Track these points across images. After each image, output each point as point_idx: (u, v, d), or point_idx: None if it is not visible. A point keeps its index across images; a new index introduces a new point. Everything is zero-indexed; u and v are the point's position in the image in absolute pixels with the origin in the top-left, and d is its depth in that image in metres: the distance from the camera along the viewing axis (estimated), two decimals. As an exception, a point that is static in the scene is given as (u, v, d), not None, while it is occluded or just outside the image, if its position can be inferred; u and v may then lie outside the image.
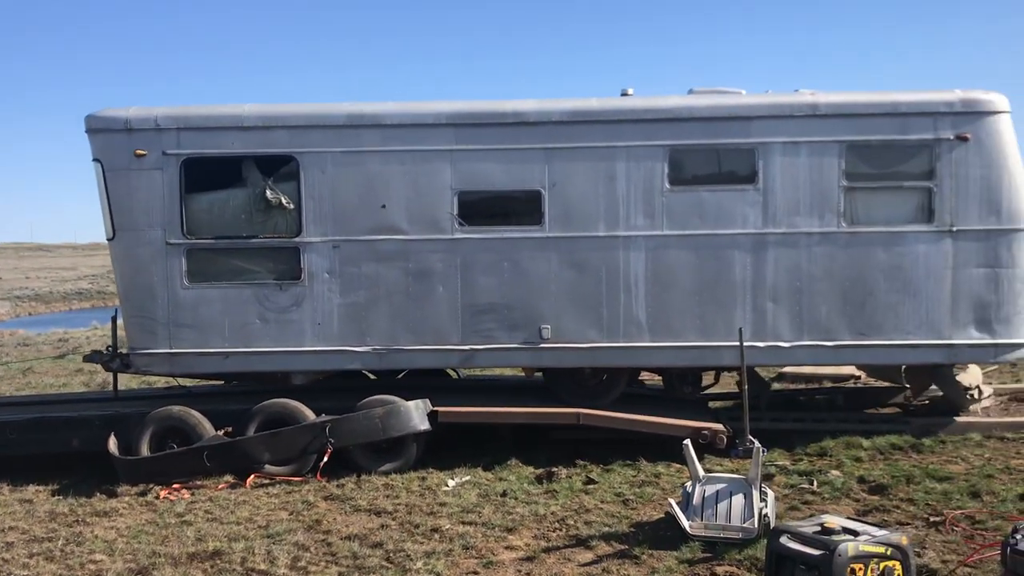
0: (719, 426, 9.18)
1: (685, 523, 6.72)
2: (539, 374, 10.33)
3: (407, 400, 9.18)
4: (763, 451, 6.97)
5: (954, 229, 9.20)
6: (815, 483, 8.19)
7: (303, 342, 9.54)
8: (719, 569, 6.30)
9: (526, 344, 9.46)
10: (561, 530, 7.28)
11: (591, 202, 9.36)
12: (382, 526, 7.48)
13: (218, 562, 6.72)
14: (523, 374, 11.02)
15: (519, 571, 6.50)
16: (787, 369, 13.24)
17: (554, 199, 9.37)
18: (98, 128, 9.53)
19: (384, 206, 9.43)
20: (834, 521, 5.68)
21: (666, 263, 9.36)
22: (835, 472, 8.55)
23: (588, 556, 6.69)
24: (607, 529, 7.20)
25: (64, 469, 9.52)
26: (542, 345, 9.45)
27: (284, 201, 9.49)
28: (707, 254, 9.35)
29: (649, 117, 9.32)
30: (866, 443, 9.31)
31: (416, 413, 9.12)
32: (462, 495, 8.25)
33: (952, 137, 9.14)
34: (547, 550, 6.85)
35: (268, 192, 9.48)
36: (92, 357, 10.48)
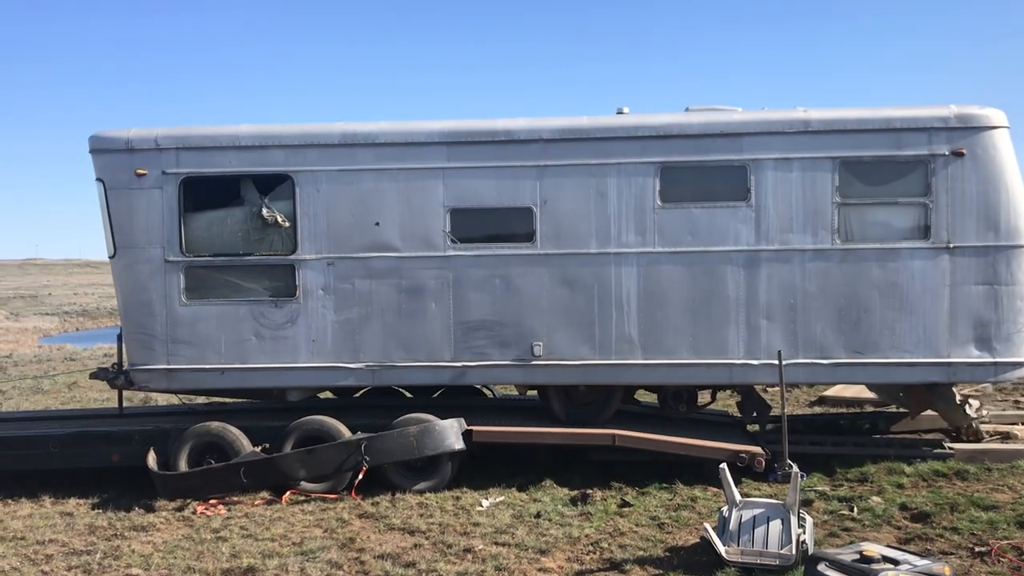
0: (757, 449, 9.08)
1: (721, 548, 6.61)
2: (533, 392, 10.32)
3: (442, 419, 9.23)
4: (802, 476, 6.86)
5: (951, 246, 9.06)
6: (855, 509, 8.04)
7: (298, 358, 9.63)
8: (755, 596, 6.20)
9: (518, 361, 9.46)
10: (595, 553, 7.22)
11: (582, 219, 9.37)
12: (415, 545, 7.50)
13: None
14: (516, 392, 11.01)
15: (552, 595, 6.46)
16: (828, 393, 13.20)
17: (546, 216, 9.39)
18: (100, 148, 9.74)
19: (378, 223, 9.52)
20: (874, 549, 5.56)
21: (658, 280, 9.33)
22: (876, 498, 8.38)
23: (622, 580, 6.64)
24: (642, 553, 7.13)
25: (105, 482, 9.72)
26: (534, 362, 9.44)
27: (280, 219, 9.62)
28: (700, 271, 9.30)
29: (640, 134, 9.32)
30: (908, 469, 9.12)
31: (451, 432, 9.17)
32: (496, 515, 8.24)
33: (948, 153, 9.04)
34: (580, 573, 6.82)
35: (264, 210, 9.62)
36: (98, 374, 10.66)
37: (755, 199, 9.24)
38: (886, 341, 9.16)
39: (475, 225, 9.51)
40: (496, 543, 7.47)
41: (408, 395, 11.09)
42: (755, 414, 10.04)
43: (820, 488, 8.84)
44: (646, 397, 10.86)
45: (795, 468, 6.97)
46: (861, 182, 9.19)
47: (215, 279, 9.72)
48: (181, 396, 11.33)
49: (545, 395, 9.90)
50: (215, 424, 9.55)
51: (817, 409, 13.02)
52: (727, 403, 12.21)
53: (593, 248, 9.38)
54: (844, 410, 12.54)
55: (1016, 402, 12.83)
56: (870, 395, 12.29)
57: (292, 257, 9.59)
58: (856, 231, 9.20)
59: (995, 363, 9.09)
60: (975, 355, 9.10)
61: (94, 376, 10.87)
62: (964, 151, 9.02)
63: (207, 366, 9.68)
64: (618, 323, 9.38)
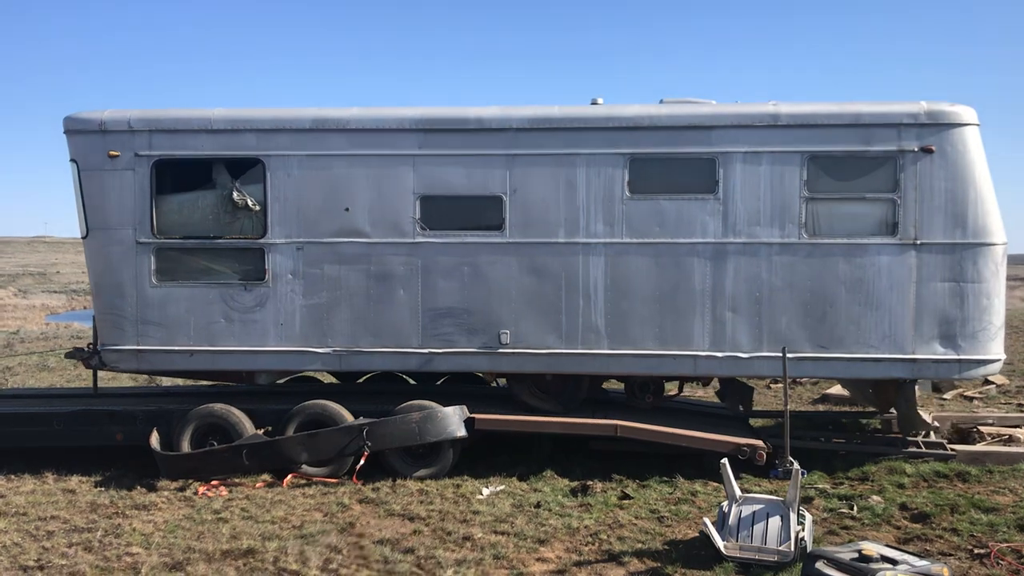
0: (759, 442, 9.08)
1: (720, 543, 6.65)
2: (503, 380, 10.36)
3: (445, 406, 9.28)
4: (803, 473, 6.88)
5: (918, 242, 9.06)
6: (855, 508, 8.05)
7: (266, 342, 9.67)
8: (753, 591, 6.22)
9: (485, 349, 9.49)
10: (594, 544, 7.27)
11: (551, 208, 9.39)
12: (415, 532, 7.56)
13: (251, 560, 6.87)
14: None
15: (549, 584, 6.50)
16: (832, 391, 13.24)
17: (515, 205, 9.41)
18: (74, 129, 9.77)
19: (347, 209, 9.55)
20: (872, 548, 5.56)
21: (625, 271, 9.35)
22: (876, 498, 8.37)
23: (620, 572, 6.69)
24: (640, 546, 7.18)
25: (108, 460, 9.82)
26: (501, 350, 9.47)
27: (251, 203, 9.65)
28: (667, 262, 9.32)
29: (610, 125, 9.33)
30: (909, 469, 9.14)
31: (453, 419, 9.21)
32: (496, 504, 8.29)
33: (916, 149, 9.02)
34: (579, 564, 6.85)
35: (235, 194, 9.66)
36: (73, 354, 10.71)
37: (723, 192, 9.24)
38: (851, 336, 9.18)
39: (445, 212, 9.53)
40: (495, 532, 7.52)
41: (411, 381, 11.13)
42: (734, 399, 10.12)
43: (820, 486, 8.85)
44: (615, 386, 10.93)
45: (796, 465, 6.96)
46: (829, 177, 9.19)
47: (185, 261, 9.77)
48: (152, 378, 11.38)
49: (512, 382, 9.95)
50: (219, 406, 9.60)
51: (820, 407, 13.00)
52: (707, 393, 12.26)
53: (561, 237, 9.40)
54: (847, 408, 12.51)
55: (1020, 405, 12.76)
56: None
57: (262, 241, 9.63)
58: (823, 226, 9.21)
59: (960, 360, 9.10)
60: (940, 352, 9.11)
61: (69, 356, 10.92)
62: (933, 148, 9.01)
63: (177, 348, 9.73)
64: (585, 313, 9.41)
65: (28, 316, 35.50)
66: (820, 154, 9.15)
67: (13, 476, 9.51)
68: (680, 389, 10.39)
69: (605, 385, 10.72)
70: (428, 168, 9.47)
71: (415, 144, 9.48)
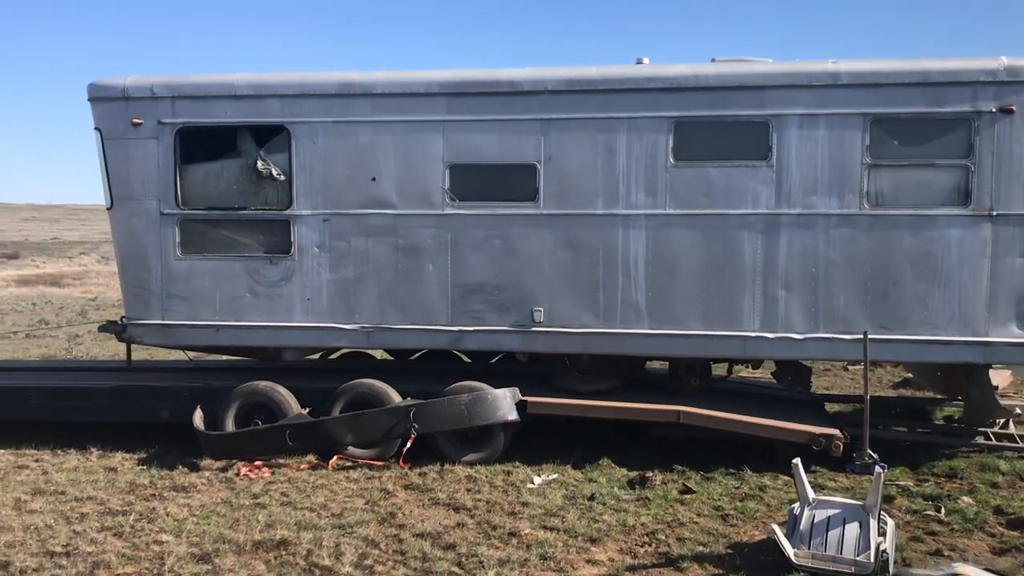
0: (835, 431, 8.31)
1: (789, 550, 5.98)
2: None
3: (496, 387, 8.79)
4: (883, 469, 6.20)
5: (994, 213, 8.19)
6: (942, 510, 7.26)
7: (292, 317, 9.31)
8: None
9: (517, 327, 8.96)
10: (650, 545, 6.69)
11: (589, 177, 8.76)
12: (458, 524, 7.13)
13: (282, 553, 6.53)
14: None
15: (597, 591, 6.02)
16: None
17: (549, 173, 8.82)
18: (98, 96, 9.48)
19: (374, 179, 9.08)
20: (969, 572, 4.91)
21: (669, 244, 8.69)
22: (966, 499, 7.55)
23: (676, 579, 6.17)
24: (701, 548, 6.57)
25: (154, 437, 9.67)
26: (534, 329, 8.94)
27: (275, 172, 9.26)
28: (714, 236, 8.63)
29: (653, 86, 8.63)
30: (1004, 466, 8.33)
31: (504, 402, 8.70)
32: (547, 495, 7.80)
33: (994, 110, 8.12)
34: (632, 568, 6.30)
35: (260, 163, 9.27)
36: (107, 327, 10.53)
37: (777, 158, 8.49)
38: (917, 316, 8.38)
39: (475, 182, 8.99)
40: (544, 527, 7.01)
41: (466, 360, 10.67)
42: (792, 381, 9.37)
43: (903, 482, 8.08)
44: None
45: (877, 461, 6.30)
46: (894, 141, 8.35)
47: (210, 233, 9.44)
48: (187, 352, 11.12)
49: (546, 361, 9.42)
50: (263, 384, 9.26)
51: (904, 393, 12.05)
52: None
53: (599, 208, 8.77)
54: (932, 394, 11.39)
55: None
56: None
57: (287, 212, 9.24)
58: (887, 195, 8.39)
59: (1039, 344, 8.24)
60: (1017, 334, 8.26)
61: (103, 329, 10.76)
62: (1014, 108, 8.10)
63: (202, 322, 9.44)
64: (624, 289, 8.79)
65: (110, 283, 36.24)
66: (884, 116, 8.31)
67: (60, 451, 9.42)
68: (729, 371, 9.72)
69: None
70: (458, 135, 8.93)
71: (444, 109, 8.93)
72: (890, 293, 8.41)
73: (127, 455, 9.23)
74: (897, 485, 7.97)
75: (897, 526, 6.67)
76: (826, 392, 11.54)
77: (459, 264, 9.01)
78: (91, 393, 9.78)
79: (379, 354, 11.18)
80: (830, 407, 10.31)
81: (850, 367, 13.45)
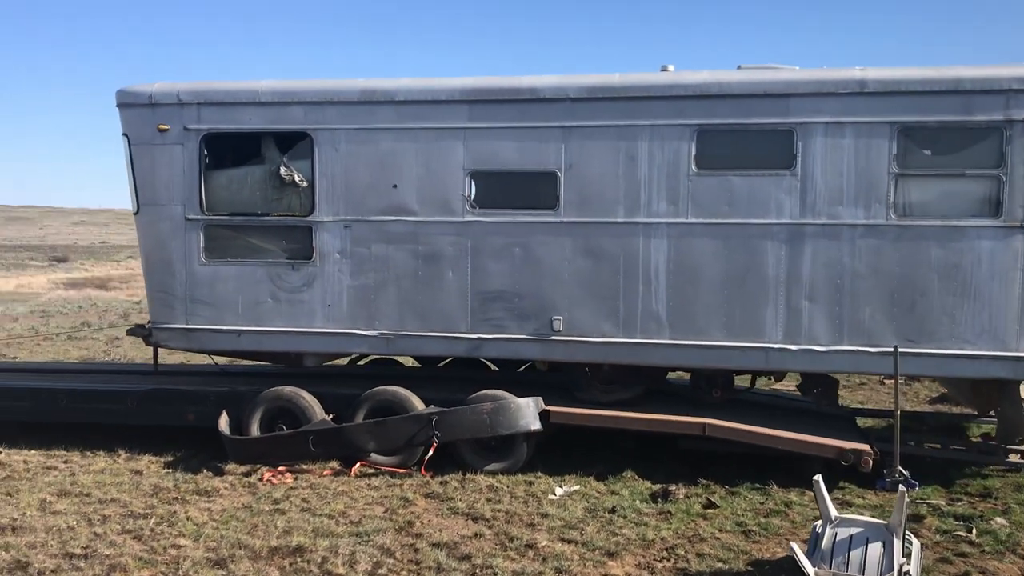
0: (865, 447, 8.11)
1: (810, 569, 5.82)
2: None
3: (520, 396, 8.75)
4: (914, 486, 6.02)
5: None
6: (974, 531, 7.09)
7: (314, 323, 9.35)
8: (843, 628, 5.53)
9: (536, 336, 8.91)
10: (669, 560, 6.60)
11: (610, 185, 8.68)
12: (476, 535, 7.10)
13: (297, 560, 6.55)
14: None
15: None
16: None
17: (570, 181, 8.75)
18: (126, 103, 9.60)
19: (395, 186, 9.09)
20: None
21: (690, 254, 8.58)
22: (1000, 519, 7.37)
23: (692, 597, 6.09)
24: (720, 565, 6.49)
25: (182, 440, 9.78)
26: (553, 337, 8.87)
27: (298, 179, 9.30)
28: (736, 245, 8.50)
29: (675, 94, 8.53)
30: None
31: (527, 411, 8.64)
32: (567, 507, 7.75)
33: None
34: None
35: (283, 169, 9.32)
36: (135, 331, 10.65)
37: (801, 167, 8.34)
38: (944, 330, 8.18)
39: (496, 189, 8.97)
40: (562, 539, 6.95)
41: (493, 367, 10.63)
42: (817, 394, 9.20)
43: (934, 501, 7.89)
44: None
45: (907, 477, 6.08)
46: (923, 150, 8.17)
47: (233, 239, 9.52)
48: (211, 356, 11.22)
49: (565, 371, 9.33)
50: (288, 389, 9.31)
51: (940, 408, 11.81)
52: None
53: (620, 217, 8.69)
54: (968, 410, 11.07)
55: None
56: None
57: (309, 218, 9.28)
58: (915, 206, 8.20)
59: (1072, 360, 7.99)
60: (1049, 350, 8.03)
61: (131, 332, 10.88)
62: None
63: (224, 327, 9.51)
64: (645, 299, 8.69)
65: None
66: (912, 125, 8.13)
67: (88, 453, 9.56)
68: (752, 383, 9.56)
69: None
70: (479, 142, 8.90)
71: (465, 117, 8.91)
72: (917, 305, 8.22)
73: (154, 458, 9.34)
74: (928, 504, 7.78)
75: (925, 546, 6.51)
76: (860, 406, 11.32)
77: (479, 271, 8.97)
78: (119, 396, 9.90)
79: (408, 361, 11.20)
80: (862, 421, 10.11)
81: (886, 381, 13.19)
